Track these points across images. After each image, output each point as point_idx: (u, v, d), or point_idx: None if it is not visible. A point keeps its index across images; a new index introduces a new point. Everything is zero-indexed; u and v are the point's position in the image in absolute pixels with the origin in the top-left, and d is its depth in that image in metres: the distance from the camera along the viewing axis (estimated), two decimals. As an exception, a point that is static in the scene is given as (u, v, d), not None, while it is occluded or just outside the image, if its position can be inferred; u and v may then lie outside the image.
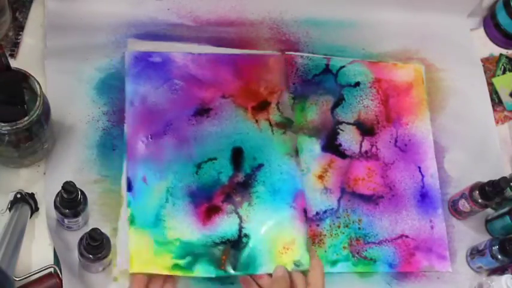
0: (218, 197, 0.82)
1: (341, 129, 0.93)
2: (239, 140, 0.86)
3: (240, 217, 0.82)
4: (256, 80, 0.91)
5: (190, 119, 0.86)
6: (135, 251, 0.77)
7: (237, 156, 0.85)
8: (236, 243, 0.80)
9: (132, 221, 0.79)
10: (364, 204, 0.89)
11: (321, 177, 0.89)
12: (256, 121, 0.87)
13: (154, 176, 0.81)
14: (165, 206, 0.80)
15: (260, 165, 0.85)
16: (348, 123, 0.94)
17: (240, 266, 0.79)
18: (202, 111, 0.86)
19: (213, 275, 0.78)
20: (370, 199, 0.90)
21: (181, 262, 0.78)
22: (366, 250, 0.87)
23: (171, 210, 0.80)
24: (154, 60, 0.88)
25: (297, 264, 0.80)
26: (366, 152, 0.93)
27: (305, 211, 0.84)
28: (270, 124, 0.88)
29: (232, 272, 0.78)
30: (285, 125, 0.89)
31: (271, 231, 0.81)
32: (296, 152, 0.87)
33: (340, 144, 0.92)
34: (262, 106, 0.89)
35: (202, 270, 0.78)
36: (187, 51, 0.90)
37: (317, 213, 0.87)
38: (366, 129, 0.94)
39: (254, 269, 0.79)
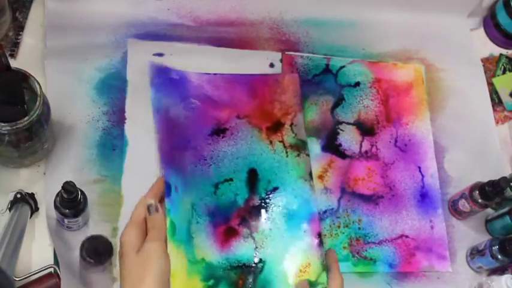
0: (235, 219, 0.81)
1: (341, 129, 0.93)
2: (254, 161, 0.85)
3: (255, 241, 0.81)
4: (270, 101, 0.90)
5: (207, 138, 0.85)
6: (174, 272, 0.73)
7: (252, 178, 0.84)
8: (252, 268, 0.79)
9: (172, 232, 0.75)
10: (364, 204, 0.89)
11: (321, 177, 0.89)
12: (271, 142, 0.87)
13: (182, 189, 0.80)
14: (192, 221, 0.79)
15: (275, 189, 0.84)
16: (348, 123, 0.94)
17: None
18: (219, 131, 0.86)
19: None
20: (370, 199, 0.90)
21: (207, 285, 0.77)
22: (366, 250, 0.87)
23: (196, 227, 0.79)
24: (173, 77, 0.88)
25: (313, 284, 0.79)
26: (366, 152, 0.93)
27: (320, 234, 0.83)
28: (284, 146, 0.87)
29: None
30: (299, 147, 0.88)
31: (287, 257, 0.80)
32: (310, 175, 0.86)
33: (340, 144, 0.92)
34: (276, 127, 0.88)
35: None
36: (203, 72, 0.89)
37: (317, 213, 0.87)
38: (366, 129, 0.94)
39: None
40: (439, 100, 1.00)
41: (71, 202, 0.72)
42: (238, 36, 0.95)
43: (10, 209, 0.76)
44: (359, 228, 0.88)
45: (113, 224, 0.80)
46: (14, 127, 0.69)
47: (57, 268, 0.74)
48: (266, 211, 0.83)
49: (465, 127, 0.99)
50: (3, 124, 0.68)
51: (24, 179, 0.80)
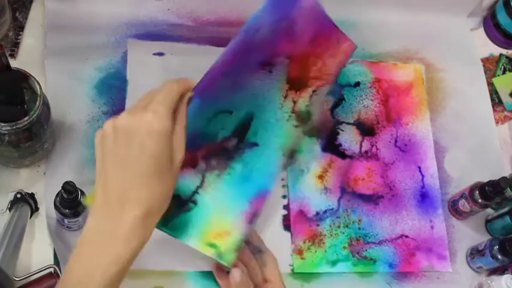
0: (203, 150, 0.73)
1: (341, 129, 0.93)
2: (259, 105, 0.76)
3: (202, 182, 0.73)
4: (318, 55, 0.80)
5: (253, 65, 0.75)
6: None
7: (246, 122, 0.76)
8: (181, 204, 0.72)
9: None
10: (364, 204, 0.89)
11: (321, 177, 0.89)
12: (285, 97, 0.78)
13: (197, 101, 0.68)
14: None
15: (254, 145, 0.77)
16: (348, 123, 0.94)
17: (171, 224, 0.71)
18: (265, 64, 0.76)
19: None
20: (370, 199, 0.90)
21: None
22: (366, 250, 0.87)
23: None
24: None
25: (219, 256, 0.73)
26: (366, 152, 0.93)
27: (256, 215, 0.76)
28: (293, 109, 0.79)
29: (160, 226, 0.69)
30: (303, 119, 0.80)
31: (216, 213, 0.74)
32: (291, 154, 0.81)
33: (340, 144, 0.92)
34: (299, 85, 0.79)
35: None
36: None
37: (317, 213, 0.87)
38: (366, 129, 0.94)
39: (180, 236, 0.72)
40: (439, 100, 1.00)
41: (71, 202, 0.72)
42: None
43: (10, 209, 0.76)
44: (359, 228, 0.88)
45: (113, 224, 0.80)
46: (14, 127, 0.69)
47: (57, 268, 0.74)
48: (231, 159, 0.75)
49: (465, 127, 0.99)
50: (3, 124, 0.68)
51: (24, 179, 0.80)
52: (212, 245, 0.72)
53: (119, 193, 0.55)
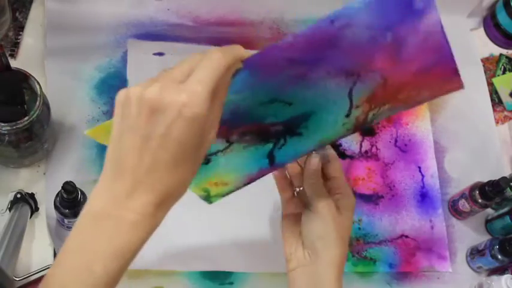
0: (241, 128, 0.65)
1: (341, 129, 0.92)
2: (325, 107, 0.63)
3: (226, 148, 0.67)
4: (419, 85, 0.63)
5: (331, 66, 0.60)
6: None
7: (305, 116, 0.65)
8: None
9: None
10: (364, 204, 0.89)
11: (321, 177, 0.89)
12: (357, 107, 0.64)
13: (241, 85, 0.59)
14: None
15: (296, 134, 0.67)
16: (348, 123, 0.93)
17: None
18: (352, 73, 0.61)
19: None
20: (370, 199, 0.90)
21: None
22: (366, 250, 0.87)
23: None
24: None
25: (206, 197, 0.70)
26: (366, 152, 0.93)
27: (257, 178, 0.70)
28: (357, 118, 0.64)
29: None
30: (360, 126, 0.67)
31: (222, 170, 0.69)
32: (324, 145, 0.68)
33: (340, 144, 0.92)
34: (380, 103, 0.64)
35: None
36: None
37: (317, 213, 0.87)
38: (366, 129, 0.94)
39: None
40: (439, 100, 1.00)
41: (71, 202, 0.72)
42: (238, 36, 0.94)
43: (10, 209, 0.76)
44: (359, 228, 0.88)
45: (113, 224, 0.79)
46: (14, 127, 0.69)
47: (57, 268, 0.74)
48: (266, 140, 0.67)
49: (465, 127, 0.99)
50: (3, 124, 0.68)
51: (24, 179, 0.80)
52: (204, 190, 0.70)
53: (134, 173, 0.47)
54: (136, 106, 0.47)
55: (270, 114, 0.64)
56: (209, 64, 0.46)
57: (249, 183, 0.71)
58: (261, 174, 0.71)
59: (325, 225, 0.62)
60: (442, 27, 0.60)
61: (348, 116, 0.65)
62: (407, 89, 0.62)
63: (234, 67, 0.49)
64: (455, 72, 0.63)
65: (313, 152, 0.67)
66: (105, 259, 0.46)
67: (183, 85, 0.45)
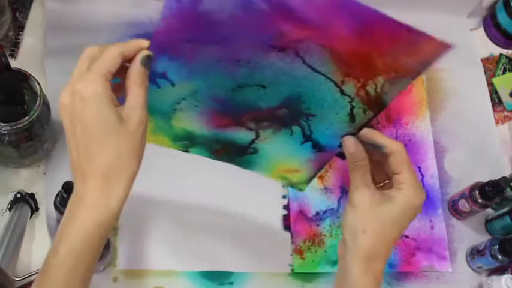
0: (246, 115, 0.65)
1: (341, 129, 0.92)
2: (305, 85, 0.63)
3: (257, 134, 0.67)
4: (383, 51, 0.61)
5: (254, 43, 0.59)
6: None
7: (292, 96, 0.63)
8: (242, 150, 0.68)
9: None
10: (364, 204, 0.89)
11: (321, 177, 0.89)
12: (343, 82, 0.62)
13: (179, 74, 0.61)
14: (182, 102, 0.64)
15: (310, 115, 0.65)
16: (348, 123, 0.93)
17: (235, 161, 0.69)
18: (277, 45, 0.58)
19: (206, 156, 0.68)
20: (370, 199, 0.90)
21: (178, 143, 0.68)
22: (366, 250, 0.87)
23: (187, 106, 0.64)
24: None
25: (292, 184, 0.71)
26: (366, 152, 0.92)
27: (322, 166, 0.70)
28: (356, 93, 0.63)
29: (225, 161, 0.68)
30: (373, 104, 0.64)
31: (281, 157, 0.69)
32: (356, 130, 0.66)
33: (340, 145, 0.92)
34: (365, 73, 0.62)
35: (197, 151, 0.68)
36: None
37: (317, 213, 0.87)
38: (366, 129, 0.94)
39: (247, 167, 0.69)
40: (439, 100, 1.00)
41: (71, 202, 0.72)
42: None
43: (10, 209, 0.76)
44: (359, 228, 0.88)
45: (113, 224, 0.80)
46: (14, 127, 0.69)
47: (57, 268, 0.74)
48: (286, 124, 0.65)
49: (465, 127, 0.99)
50: (3, 124, 0.68)
51: (24, 179, 0.80)
52: (283, 178, 0.70)
53: (76, 166, 0.54)
54: (61, 114, 0.56)
55: (255, 99, 0.64)
56: (102, 57, 0.55)
57: (320, 168, 0.70)
58: (322, 159, 0.69)
59: (354, 216, 0.61)
60: None
61: (342, 92, 0.64)
62: (374, 57, 0.61)
63: (139, 55, 0.56)
64: (401, 28, 0.62)
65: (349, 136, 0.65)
66: (66, 239, 0.53)
67: (81, 78, 0.55)
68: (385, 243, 0.61)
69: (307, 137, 0.68)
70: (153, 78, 0.61)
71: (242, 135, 0.66)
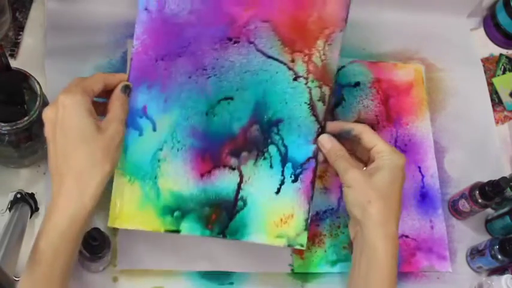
0: (225, 147, 0.71)
1: (341, 129, 0.92)
2: (265, 80, 0.71)
3: (241, 176, 0.71)
4: (308, 5, 0.71)
5: (214, 42, 0.69)
6: (119, 201, 0.69)
7: (258, 101, 0.71)
8: (230, 206, 0.71)
9: (122, 159, 0.68)
10: (364, 204, 0.89)
11: (321, 177, 0.89)
12: (292, 60, 0.71)
13: (157, 107, 0.68)
14: (163, 147, 0.69)
15: (279, 121, 0.72)
16: (348, 123, 0.93)
17: (228, 230, 0.71)
18: (231, 35, 0.69)
19: (198, 234, 0.70)
20: (370, 199, 0.90)
21: (168, 219, 0.70)
22: (366, 250, 0.87)
23: (169, 153, 0.69)
24: None
25: (291, 242, 0.72)
26: (366, 152, 0.93)
27: (313, 185, 0.73)
28: (307, 69, 0.71)
29: (218, 235, 0.70)
30: (324, 76, 0.72)
31: (270, 200, 0.72)
32: (324, 119, 0.73)
33: (340, 144, 0.92)
34: (305, 41, 0.71)
35: (189, 227, 0.70)
36: None
37: (317, 213, 0.87)
38: (366, 129, 0.94)
39: (242, 236, 0.71)
40: (439, 100, 1.00)
41: (71, 202, 0.72)
42: None
43: (10, 209, 0.76)
44: (359, 228, 0.88)
45: (113, 224, 0.80)
46: (14, 127, 0.69)
47: (57, 268, 0.74)
48: (263, 144, 0.72)
49: (465, 127, 0.99)
50: (3, 124, 0.68)
51: (24, 179, 0.80)
52: (280, 236, 0.72)
53: (54, 169, 0.61)
54: (45, 127, 0.63)
55: (227, 119, 0.71)
56: (87, 78, 0.65)
57: (310, 196, 0.74)
58: (304, 180, 0.73)
59: (354, 193, 0.68)
60: None
61: (296, 75, 0.71)
62: (303, 16, 0.70)
63: (120, 85, 0.67)
64: None
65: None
66: (44, 235, 0.59)
67: (65, 91, 0.63)
68: (391, 206, 0.68)
69: (284, 158, 0.73)
70: (135, 119, 0.68)
71: (227, 181, 0.71)
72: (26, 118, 0.69)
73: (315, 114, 0.73)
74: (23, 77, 0.71)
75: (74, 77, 0.84)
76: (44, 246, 0.58)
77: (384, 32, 1.01)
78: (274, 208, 0.72)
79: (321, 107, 0.73)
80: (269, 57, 0.71)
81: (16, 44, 0.87)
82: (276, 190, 0.73)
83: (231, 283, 0.81)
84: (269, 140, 0.72)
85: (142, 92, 0.68)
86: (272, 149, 0.72)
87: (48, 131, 0.62)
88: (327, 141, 0.72)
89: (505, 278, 0.83)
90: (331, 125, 0.73)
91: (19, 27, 0.88)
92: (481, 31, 1.09)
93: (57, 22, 0.87)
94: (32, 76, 0.71)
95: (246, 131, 0.71)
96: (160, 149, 0.69)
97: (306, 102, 0.72)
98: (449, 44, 1.04)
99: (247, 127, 0.71)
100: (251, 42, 0.70)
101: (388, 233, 0.67)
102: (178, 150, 0.69)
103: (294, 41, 0.71)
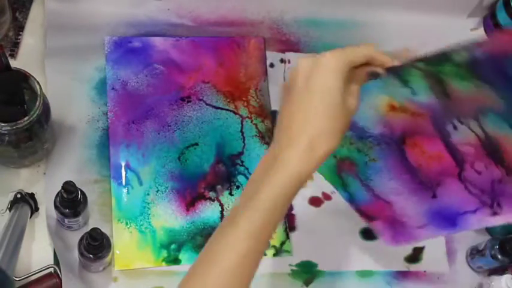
0: (201, 183, 0.84)
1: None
2: (219, 125, 0.87)
3: (221, 205, 0.83)
4: (235, 65, 0.91)
5: (171, 104, 0.87)
6: (120, 247, 0.78)
7: (218, 142, 0.86)
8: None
9: (118, 210, 0.80)
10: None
11: (321, 177, 0.89)
12: (236, 107, 0.89)
13: (138, 161, 0.83)
14: (149, 192, 0.82)
15: (240, 154, 0.86)
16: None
17: None
18: (183, 97, 0.88)
19: None
20: (370, 199, 0.90)
21: (166, 253, 0.80)
22: (366, 250, 0.87)
23: (155, 196, 0.82)
24: (134, 45, 0.89)
25: (278, 251, 0.82)
26: (366, 152, 0.93)
27: None
28: (249, 111, 0.89)
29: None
30: (263, 113, 0.89)
31: None
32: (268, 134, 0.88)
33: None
34: (241, 92, 0.90)
35: (188, 258, 0.79)
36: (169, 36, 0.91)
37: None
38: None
39: None
40: (439, 100, 1.00)
41: (71, 202, 0.72)
42: (238, 36, 0.95)
43: (10, 209, 0.76)
44: (359, 228, 0.89)
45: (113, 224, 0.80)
46: (14, 127, 0.69)
47: (57, 268, 0.74)
48: (231, 176, 0.85)
49: (465, 127, 0.99)
50: (3, 124, 0.68)
51: (24, 179, 0.80)
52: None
53: (284, 131, 0.56)
54: (296, 79, 0.57)
55: (198, 161, 0.85)
56: (355, 48, 0.57)
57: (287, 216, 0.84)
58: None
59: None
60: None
61: (243, 118, 0.88)
62: (235, 72, 0.90)
63: (370, 68, 0.59)
64: (231, 40, 0.93)
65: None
66: (268, 185, 0.55)
67: (327, 53, 0.56)
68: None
69: None
70: (121, 174, 0.81)
71: (210, 211, 0.83)
72: (26, 118, 0.69)
73: (266, 143, 0.88)
74: (23, 77, 0.71)
75: (73, 77, 0.86)
76: (264, 197, 0.54)
77: (384, 32, 1.01)
78: None
79: (267, 135, 0.88)
80: (217, 108, 0.88)
81: (16, 44, 0.87)
82: None
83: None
84: (236, 172, 0.85)
85: (123, 151, 0.83)
86: (241, 178, 0.85)
87: (293, 79, 0.57)
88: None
89: (505, 278, 0.83)
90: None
91: (19, 27, 0.88)
92: (481, 31, 1.09)
93: (57, 22, 0.87)
94: (32, 76, 0.71)
95: (214, 167, 0.85)
96: (148, 194, 0.82)
97: (255, 135, 0.88)
98: (449, 44, 1.04)
99: (215, 164, 0.85)
100: (200, 99, 0.88)
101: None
102: (162, 192, 0.82)
103: (232, 93, 0.90)
